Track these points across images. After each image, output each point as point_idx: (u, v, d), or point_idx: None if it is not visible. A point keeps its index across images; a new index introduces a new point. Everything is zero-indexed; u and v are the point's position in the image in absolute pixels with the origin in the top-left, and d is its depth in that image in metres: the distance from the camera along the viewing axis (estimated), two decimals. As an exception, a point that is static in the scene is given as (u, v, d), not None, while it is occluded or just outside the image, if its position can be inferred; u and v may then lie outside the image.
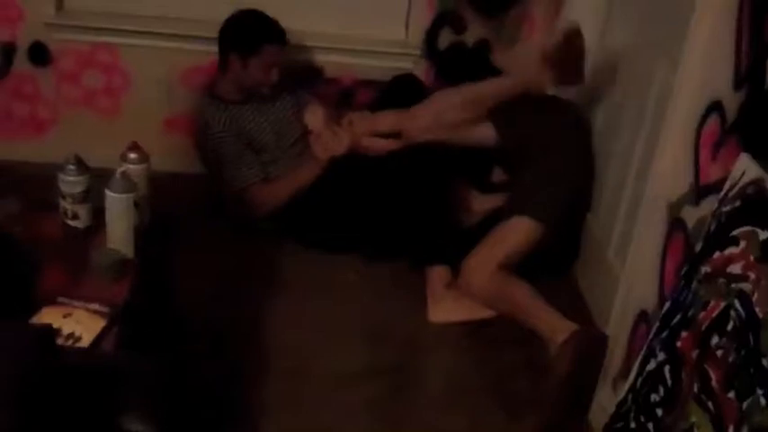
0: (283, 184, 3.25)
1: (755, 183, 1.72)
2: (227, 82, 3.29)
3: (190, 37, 3.51)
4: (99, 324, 1.85)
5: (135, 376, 1.67)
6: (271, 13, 3.36)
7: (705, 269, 1.83)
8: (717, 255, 1.80)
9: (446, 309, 2.95)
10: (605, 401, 2.43)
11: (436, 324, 2.93)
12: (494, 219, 3.10)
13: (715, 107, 2.00)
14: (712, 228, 1.85)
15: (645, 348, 2.04)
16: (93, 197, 2.15)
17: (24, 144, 3.62)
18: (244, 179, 3.21)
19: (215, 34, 3.42)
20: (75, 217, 2.15)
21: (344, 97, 3.66)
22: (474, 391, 2.64)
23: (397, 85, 3.47)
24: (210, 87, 3.36)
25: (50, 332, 1.38)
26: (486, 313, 2.92)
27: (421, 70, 3.62)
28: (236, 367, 2.58)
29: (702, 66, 2.07)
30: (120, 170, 2.05)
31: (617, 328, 2.46)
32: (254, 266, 3.08)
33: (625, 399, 2.07)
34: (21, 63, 3.52)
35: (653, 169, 2.29)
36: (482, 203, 3.34)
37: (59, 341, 1.76)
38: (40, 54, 3.51)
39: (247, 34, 3.24)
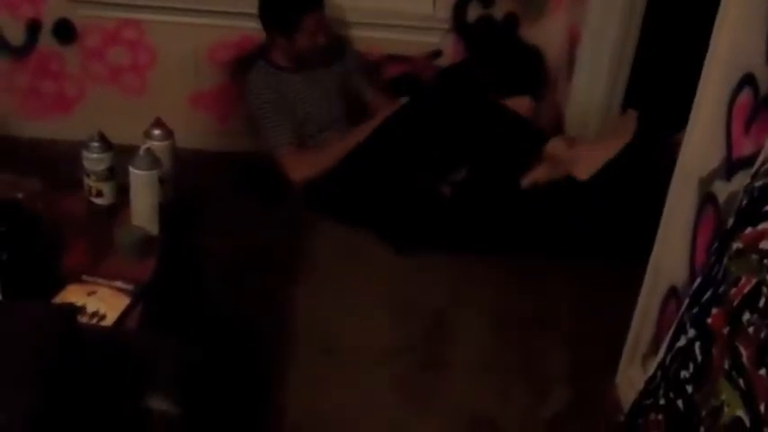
0: (317, 155, 3.25)
1: (789, 156, 1.67)
2: (278, 51, 3.33)
3: (216, 12, 3.51)
4: (123, 302, 1.84)
5: (159, 355, 1.67)
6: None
7: (737, 245, 1.79)
8: (749, 230, 1.75)
9: None
10: (635, 378, 2.40)
11: (465, 301, 2.91)
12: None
13: (747, 80, 1.94)
14: (744, 203, 1.80)
15: (675, 324, 2.00)
16: (117, 174, 2.14)
17: (51, 122, 3.64)
18: (276, 142, 3.23)
19: (242, 9, 3.45)
20: (99, 194, 2.15)
21: (373, 71, 3.62)
22: (502, 370, 2.62)
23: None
24: (264, 53, 3.38)
25: (72, 311, 1.37)
26: None
27: (449, 44, 3.58)
28: (263, 347, 2.58)
29: (734, 39, 2.01)
30: (144, 147, 2.04)
31: (646, 304, 2.42)
32: (281, 244, 3.08)
33: (654, 375, 2.03)
34: (46, 40, 3.53)
35: (684, 143, 2.24)
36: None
37: (83, 319, 1.77)
38: (65, 31, 3.53)
39: (283, 12, 3.25)
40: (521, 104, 3.24)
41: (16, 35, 3.54)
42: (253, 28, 3.47)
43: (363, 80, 3.52)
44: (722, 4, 2.06)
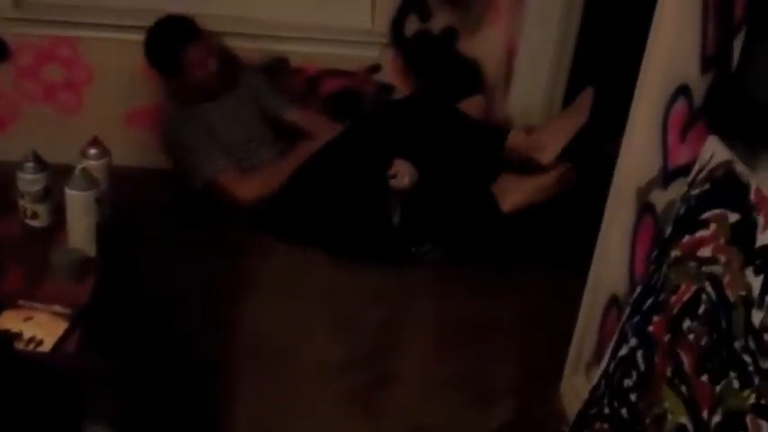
0: (262, 174, 3.22)
1: (724, 165, 1.70)
2: (179, 90, 3.33)
3: (152, 28, 3.45)
4: (60, 327, 1.80)
5: (97, 380, 1.63)
6: (235, 4, 3.34)
7: (675, 253, 1.82)
8: (687, 238, 1.78)
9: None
10: (579, 387, 2.43)
11: (410, 314, 2.91)
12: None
13: (682, 90, 1.98)
14: (681, 211, 1.84)
15: (617, 334, 2.02)
16: (53, 195, 2.10)
17: (-17, 141, 3.55)
18: (213, 168, 3.19)
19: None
20: (34, 216, 2.09)
21: (310, 86, 3.61)
22: (447, 383, 2.62)
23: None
24: (169, 96, 3.39)
25: (7, 338, 1.33)
26: None
27: (387, 58, 3.59)
28: (207, 368, 2.54)
29: (669, 49, 2.05)
30: (79, 166, 2.00)
31: (588, 313, 2.45)
32: (223, 264, 3.04)
33: (598, 384, 2.06)
34: (-22, 59, 3.44)
35: (621, 154, 2.27)
36: None
37: (20, 346, 1.72)
38: (-3, 49, 3.44)
39: (164, 54, 3.28)
40: (474, 105, 3.26)
41: (-54, 54, 3.45)
42: (190, 44, 3.45)
43: (277, 99, 3.47)
44: (656, 15, 2.09)
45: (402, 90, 3.65)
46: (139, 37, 3.44)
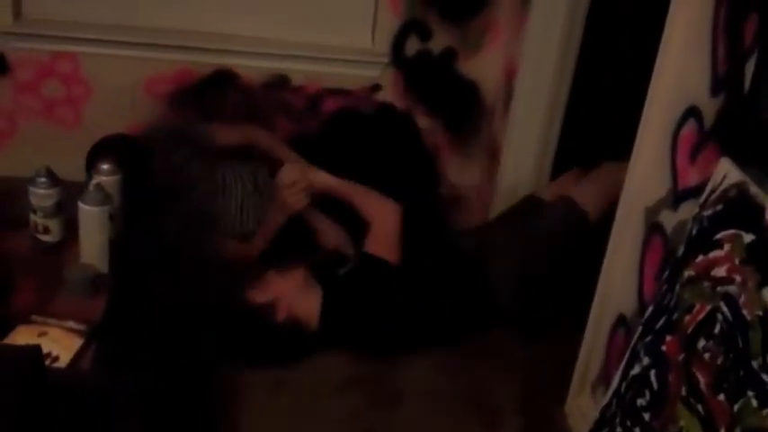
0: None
1: (738, 186, 1.73)
2: None
3: (153, 45, 3.45)
4: (76, 342, 1.79)
5: (114, 396, 1.63)
6: (235, 21, 3.34)
7: (689, 273, 1.84)
8: (700, 258, 1.80)
9: None
10: (584, 407, 2.44)
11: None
12: None
13: (691, 112, 2.01)
14: (694, 231, 1.86)
15: (628, 353, 2.04)
16: (65, 210, 2.09)
17: (-18, 156, 3.53)
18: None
19: (179, 42, 3.44)
20: (46, 231, 2.09)
21: (310, 105, 3.62)
22: (452, 400, 2.62)
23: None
24: None
25: (38, 353, 1.32)
26: None
27: (388, 78, 3.61)
28: (215, 382, 2.54)
29: (678, 71, 2.08)
30: (93, 182, 2.00)
31: (594, 332, 2.46)
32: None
33: (610, 403, 2.06)
34: (-23, 74, 3.43)
35: (628, 174, 2.30)
36: None
37: (36, 360, 1.71)
38: (-4, 64, 3.43)
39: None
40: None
41: (-55, 69, 3.43)
42: (191, 61, 3.45)
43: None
44: (665, 35, 2.12)
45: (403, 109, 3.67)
46: (139, 53, 3.45)
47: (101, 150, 2.79)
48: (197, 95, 3.50)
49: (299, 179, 2.86)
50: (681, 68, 2.07)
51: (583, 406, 2.47)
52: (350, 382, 2.64)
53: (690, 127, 2.02)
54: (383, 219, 2.85)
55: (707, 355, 1.71)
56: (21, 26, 3.41)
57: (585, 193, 3.07)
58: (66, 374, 1.65)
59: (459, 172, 3.80)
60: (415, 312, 2.75)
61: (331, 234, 3.04)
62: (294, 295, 2.65)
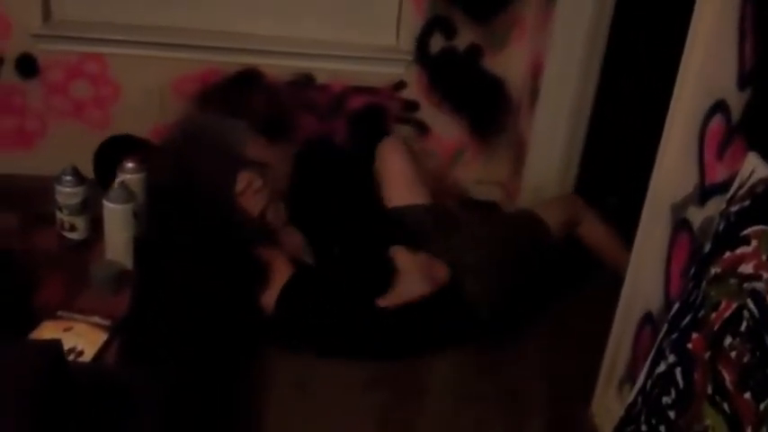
0: None
1: (765, 181, 1.70)
2: None
3: (180, 46, 3.48)
4: (100, 337, 1.81)
5: (139, 391, 1.64)
6: (260, 21, 3.38)
7: (715, 269, 1.81)
8: (727, 255, 1.78)
9: None
10: (611, 405, 2.42)
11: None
12: None
13: (718, 107, 1.98)
14: (721, 227, 1.83)
15: (654, 350, 2.02)
16: (91, 208, 2.11)
17: (12, 157, 3.57)
18: None
19: (205, 43, 3.46)
20: (72, 229, 2.11)
21: (335, 104, 3.63)
22: (478, 399, 2.61)
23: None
24: None
25: (59, 347, 1.34)
26: None
27: (413, 76, 3.60)
28: (239, 379, 2.55)
29: (704, 64, 2.05)
30: (118, 180, 2.02)
31: (621, 329, 2.44)
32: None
33: (635, 401, 2.04)
34: (8, 75, 3.47)
35: (655, 169, 2.27)
36: None
37: (61, 356, 1.73)
38: (27, 65, 3.47)
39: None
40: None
41: (-23, 71, 3.48)
42: (217, 61, 3.47)
43: None
44: (692, 29, 2.09)
45: (427, 108, 3.66)
46: (166, 54, 3.48)
47: (109, 152, 2.82)
48: (222, 95, 3.52)
49: (250, 183, 2.86)
50: (708, 62, 2.04)
51: (609, 404, 2.44)
52: (374, 380, 2.63)
53: (717, 122, 1.99)
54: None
55: (733, 353, 1.68)
56: (50, 28, 3.44)
57: (547, 210, 3.07)
58: (89, 369, 1.67)
59: (485, 170, 3.79)
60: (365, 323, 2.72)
61: (291, 243, 2.98)
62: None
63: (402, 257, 2.79)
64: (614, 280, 2.52)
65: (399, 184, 2.98)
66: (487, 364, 2.76)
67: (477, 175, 3.80)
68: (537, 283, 2.91)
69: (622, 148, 3.36)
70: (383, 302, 2.69)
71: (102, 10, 3.47)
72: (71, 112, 3.57)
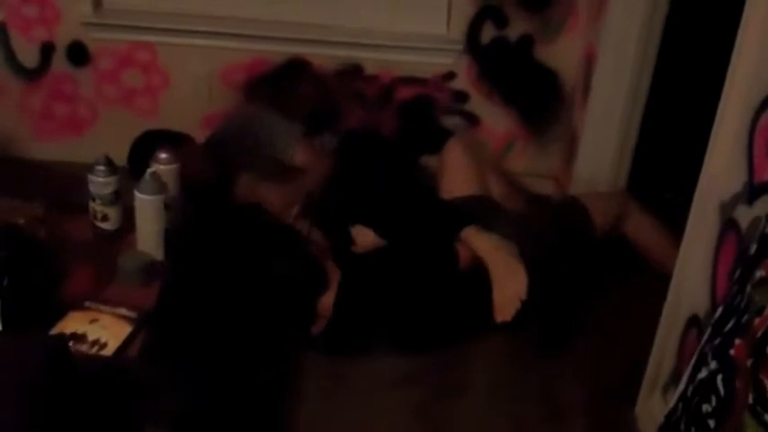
0: None
1: (815, 181, 1.61)
2: None
3: (229, 35, 3.48)
4: (125, 330, 1.80)
5: (160, 386, 1.62)
6: (308, 10, 3.37)
7: (760, 273, 1.72)
8: (773, 258, 1.69)
9: None
10: (655, 409, 2.33)
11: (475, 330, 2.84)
12: None
13: (770, 100, 1.88)
14: (767, 229, 1.74)
15: (696, 356, 1.93)
16: (124, 198, 2.11)
17: (63, 144, 3.63)
18: None
19: (254, 32, 3.46)
20: (104, 219, 2.11)
21: (384, 94, 3.58)
22: (518, 398, 2.55)
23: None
24: None
25: (63, 344, 1.32)
26: None
27: (462, 66, 3.54)
28: (273, 375, 2.53)
29: (756, 57, 1.95)
30: (149, 171, 2.00)
31: (667, 333, 2.35)
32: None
33: (675, 408, 1.96)
34: (59, 63, 3.52)
35: (704, 166, 2.17)
36: None
37: (84, 347, 1.73)
38: (78, 54, 3.51)
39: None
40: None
41: (30, 58, 3.53)
42: (265, 51, 3.46)
43: None
44: (743, 21, 2.00)
45: (477, 98, 3.59)
46: (214, 42, 3.48)
47: (144, 143, 2.81)
48: (270, 85, 3.50)
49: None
50: (760, 53, 1.94)
51: (653, 409, 2.36)
52: (410, 376, 2.59)
53: (768, 116, 1.89)
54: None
55: (776, 362, 1.59)
56: (100, 16, 3.48)
57: (594, 201, 2.99)
58: (105, 364, 1.66)
59: (536, 163, 3.70)
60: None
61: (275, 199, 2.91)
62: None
63: (476, 238, 2.77)
64: (662, 280, 2.42)
65: (459, 177, 3.01)
66: (528, 364, 2.69)
67: (528, 168, 3.71)
68: (578, 274, 2.84)
69: (678, 143, 3.24)
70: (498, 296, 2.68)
71: (151, -1, 3.49)
72: (121, 100, 3.60)
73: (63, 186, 2.66)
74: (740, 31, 2.01)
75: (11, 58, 3.52)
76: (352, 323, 2.64)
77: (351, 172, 3.03)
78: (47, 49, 3.50)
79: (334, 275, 2.62)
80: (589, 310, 2.90)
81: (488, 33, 3.49)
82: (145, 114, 3.60)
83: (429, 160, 3.27)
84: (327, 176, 2.98)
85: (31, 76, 3.55)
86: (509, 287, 2.70)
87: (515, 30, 3.48)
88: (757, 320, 1.69)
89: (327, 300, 2.59)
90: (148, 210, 1.99)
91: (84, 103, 3.61)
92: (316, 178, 2.98)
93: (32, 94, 3.59)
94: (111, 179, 2.07)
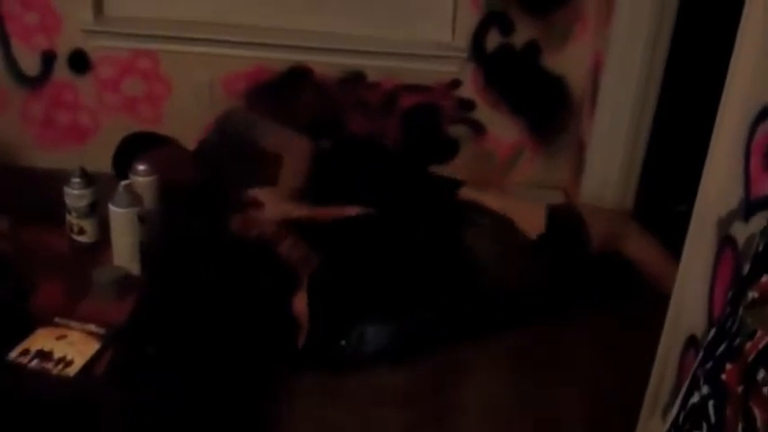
0: None
1: (810, 197, 1.52)
2: None
3: (230, 42, 3.45)
4: (92, 347, 1.75)
5: (123, 406, 1.57)
6: (311, 17, 3.36)
7: (752, 294, 1.63)
8: (765, 278, 1.60)
9: None
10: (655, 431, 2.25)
11: (478, 345, 2.76)
12: None
13: (767, 114, 1.79)
14: (760, 248, 1.65)
15: (689, 379, 1.84)
16: (100, 211, 2.06)
17: (65, 152, 3.60)
18: None
19: (256, 39, 3.42)
20: (81, 232, 2.07)
21: (387, 102, 3.52)
22: (516, 418, 2.47)
23: None
24: None
25: (15, 367, 1.26)
26: None
27: (468, 74, 3.46)
28: (263, 386, 2.47)
29: (753, 68, 1.87)
30: (123, 183, 1.95)
31: (666, 353, 2.26)
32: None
33: (667, 434, 1.88)
34: (60, 71, 3.50)
35: (702, 181, 2.09)
36: None
37: (50, 366, 1.68)
38: (79, 62, 3.49)
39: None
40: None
41: (31, 66, 3.51)
42: (267, 58, 3.42)
43: None
44: (740, 33, 1.92)
45: (483, 107, 3.52)
46: (217, 50, 3.44)
47: (129, 147, 2.75)
48: (272, 92, 3.46)
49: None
50: (755, 65, 1.86)
51: (654, 431, 2.27)
52: (405, 396, 2.52)
53: (765, 129, 1.80)
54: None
55: (766, 389, 1.50)
56: (101, 24, 3.45)
57: (594, 215, 2.93)
58: (63, 386, 1.60)
59: (544, 172, 3.62)
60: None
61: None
62: None
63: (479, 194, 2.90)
64: (664, 300, 2.33)
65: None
66: (526, 386, 2.61)
67: (537, 179, 3.64)
68: (567, 284, 2.82)
69: (689, 152, 3.14)
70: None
71: (153, 6, 3.47)
72: (123, 108, 3.57)
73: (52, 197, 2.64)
74: (735, 48, 1.94)
75: (12, 66, 3.50)
76: (331, 317, 2.58)
77: (342, 174, 2.97)
78: (48, 58, 3.48)
79: (304, 277, 2.58)
80: (587, 329, 2.82)
81: (494, 40, 3.42)
82: (146, 122, 3.56)
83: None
84: (310, 158, 2.93)
85: (33, 84, 3.54)
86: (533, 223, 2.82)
87: (521, 36, 3.40)
88: (749, 344, 1.60)
89: (300, 303, 2.54)
90: (122, 222, 1.94)
91: (86, 111, 3.59)
92: (298, 159, 2.92)
93: (34, 103, 3.57)
94: (86, 191, 2.02)
